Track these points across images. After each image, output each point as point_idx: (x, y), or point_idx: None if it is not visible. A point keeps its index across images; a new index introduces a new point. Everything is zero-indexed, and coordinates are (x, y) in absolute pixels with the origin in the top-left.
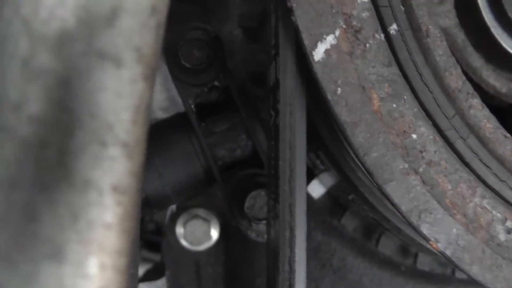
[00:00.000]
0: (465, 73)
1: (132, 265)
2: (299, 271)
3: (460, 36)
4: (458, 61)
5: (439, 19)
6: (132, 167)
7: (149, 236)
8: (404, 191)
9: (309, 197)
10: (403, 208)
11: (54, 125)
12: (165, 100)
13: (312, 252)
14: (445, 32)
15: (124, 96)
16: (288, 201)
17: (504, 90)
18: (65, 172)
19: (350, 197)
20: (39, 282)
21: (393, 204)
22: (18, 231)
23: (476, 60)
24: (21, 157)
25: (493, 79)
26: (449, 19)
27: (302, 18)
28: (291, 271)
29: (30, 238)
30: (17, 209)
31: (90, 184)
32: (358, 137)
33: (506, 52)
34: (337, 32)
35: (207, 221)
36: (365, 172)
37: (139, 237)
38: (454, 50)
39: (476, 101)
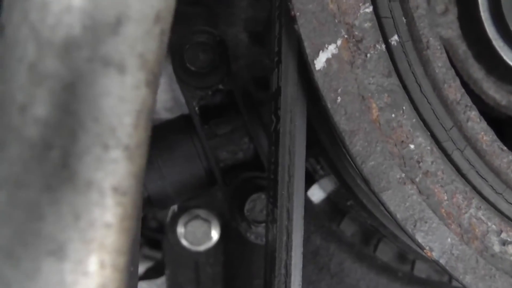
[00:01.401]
0: (465, 84)
1: (132, 264)
2: (295, 274)
3: (462, 47)
4: (459, 72)
5: (442, 30)
6: (133, 169)
7: (151, 234)
8: (400, 200)
9: (309, 201)
10: (399, 216)
11: (59, 128)
12: (170, 100)
13: (311, 256)
14: (447, 42)
15: (126, 101)
16: (286, 206)
17: (504, 102)
18: (69, 173)
19: (348, 202)
20: (41, 278)
21: (389, 212)
22: (21, 228)
23: (477, 72)
24: (26, 157)
25: (493, 91)
26: (452, 30)
27: (304, 27)
28: (287, 274)
29: (33, 235)
30: (21, 207)
31: (92, 185)
32: (356, 145)
33: (507, 64)
34: (339, 42)
35: (207, 222)
36: (362, 180)
37: (139, 236)
38: (455, 61)
39: (474, 114)
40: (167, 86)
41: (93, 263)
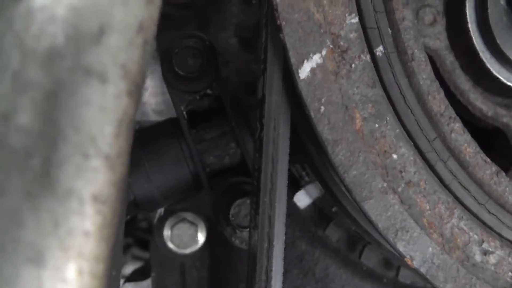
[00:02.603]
0: (452, 94)
1: (113, 269)
2: (275, 280)
3: (449, 58)
4: (446, 83)
5: (430, 40)
6: (113, 178)
7: (141, 235)
8: (382, 209)
9: (295, 207)
10: (380, 225)
11: (40, 136)
12: (161, 103)
13: (296, 261)
14: (435, 53)
15: (108, 111)
16: (268, 212)
17: (490, 113)
18: (49, 181)
19: (333, 209)
20: (20, 285)
21: (370, 221)
22: (1, 235)
23: (464, 83)
24: (8, 165)
25: (480, 102)
26: (440, 41)
27: (290, 36)
28: (268, 280)
29: (13, 242)
30: (1, 214)
31: (71, 194)
32: (339, 155)
33: (493, 76)
34: (324, 52)
35: (194, 225)
36: (345, 189)
37: (121, 242)
38: (442, 71)
39: (457, 126)
40: (158, 90)
41: (71, 271)
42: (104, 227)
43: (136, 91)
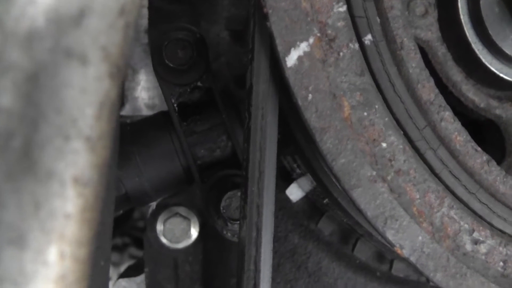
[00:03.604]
0: (445, 86)
1: (100, 257)
2: (264, 270)
3: (441, 50)
4: (438, 74)
5: (421, 32)
6: (95, 160)
7: (138, 234)
8: (370, 198)
9: (287, 200)
10: (369, 214)
11: (21, 118)
12: (153, 98)
13: (288, 254)
14: (427, 45)
15: (89, 93)
16: (256, 202)
17: (482, 104)
18: (30, 162)
19: (325, 201)
20: (1, 266)
21: (359, 210)
22: None
23: (456, 74)
24: None
25: (472, 94)
26: (431, 32)
27: (276, 24)
28: (256, 270)
29: None
30: None
31: (52, 175)
32: (327, 143)
33: (486, 67)
34: (311, 40)
35: (187, 219)
36: (333, 178)
37: (110, 230)
38: (434, 63)
39: (447, 114)
40: (150, 84)
41: (52, 253)
42: (86, 210)
43: (118, 74)
